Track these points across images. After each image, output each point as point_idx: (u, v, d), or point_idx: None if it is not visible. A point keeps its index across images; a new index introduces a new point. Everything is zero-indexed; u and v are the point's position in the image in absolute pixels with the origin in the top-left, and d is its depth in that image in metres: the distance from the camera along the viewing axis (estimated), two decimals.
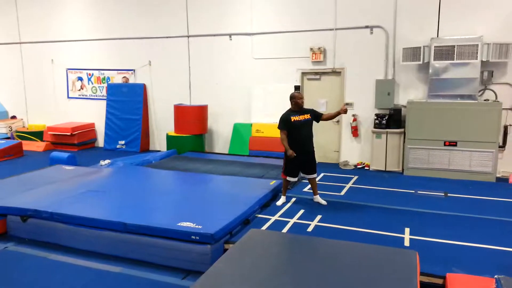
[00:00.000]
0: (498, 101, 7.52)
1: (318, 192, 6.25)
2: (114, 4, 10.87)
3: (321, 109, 9.02)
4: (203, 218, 4.94)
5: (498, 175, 7.70)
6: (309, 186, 6.35)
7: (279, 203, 6.09)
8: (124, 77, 11.15)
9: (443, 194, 6.61)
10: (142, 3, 10.53)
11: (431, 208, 5.86)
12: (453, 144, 7.61)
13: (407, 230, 5.05)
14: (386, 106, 8.39)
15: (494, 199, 6.40)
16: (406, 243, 4.71)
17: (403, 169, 8.13)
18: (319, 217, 5.53)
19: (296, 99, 5.95)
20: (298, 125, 5.87)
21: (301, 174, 6.23)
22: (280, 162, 8.43)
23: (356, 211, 5.81)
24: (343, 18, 8.68)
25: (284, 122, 5.90)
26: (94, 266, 4.61)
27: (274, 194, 6.44)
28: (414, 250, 4.13)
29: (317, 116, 6.05)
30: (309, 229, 5.15)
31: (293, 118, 5.87)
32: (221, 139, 10.37)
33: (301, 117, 5.91)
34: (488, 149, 7.41)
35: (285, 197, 6.21)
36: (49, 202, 5.58)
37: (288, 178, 6.10)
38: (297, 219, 5.49)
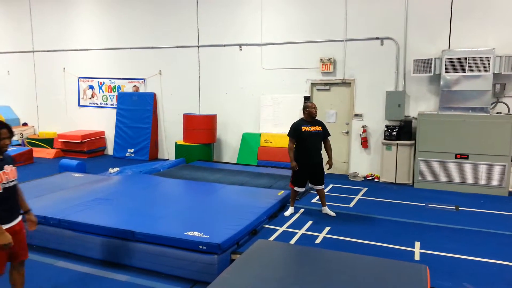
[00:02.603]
0: (510, 114, 7.43)
1: (327, 203, 6.19)
2: (126, 14, 11.01)
3: (330, 120, 9.02)
4: (210, 227, 4.91)
5: (510, 189, 7.55)
6: (318, 197, 6.30)
7: (287, 213, 6.04)
8: (135, 86, 11.24)
9: (454, 207, 6.51)
10: (153, 13, 10.65)
11: (442, 222, 5.77)
12: (465, 157, 7.52)
13: (417, 244, 4.96)
14: (397, 118, 8.34)
15: (506, 213, 6.28)
16: (416, 257, 4.63)
17: (413, 182, 8.03)
18: (327, 228, 5.47)
19: (309, 109, 5.92)
20: (308, 136, 5.85)
21: (309, 185, 6.19)
22: (289, 173, 8.40)
23: (365, 224, 5.74)
24: (353, 29, 8.68)
25: (294, 131, 5.89)
26: (101, 274, 4.60)
27: (282, 205, 6.39)
28: (425, 265, 4.05)
29: (325, 135, 6.03)
30: (317, 240, 5.09)
31: (304, 128, 5.85)
32: (229, 149, 10.37)
33: (312, 128, 5.89)
34: (501, 162, 7.30)
35: (293, 207, 6.16)
36: (58, 209, 5.60)
37: (296, 188, 6.06)
38: (305, 230, 5.43)
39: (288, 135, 5.97)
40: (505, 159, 7.30)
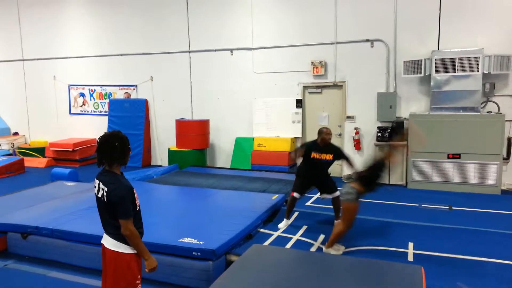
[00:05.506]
0: (500, 113, 7.50)
1: (324, 208, 6.07)
2: (116, 20, 10.97)
3: (323, 123, 9.02)
4: (204, 233, 4.88)
5: (502, 188, 7.61)
6: (313, 199, 6.21)
7: (281, 225, 5.72)
8: (126, 92, 11.19)
9: (447, 207, 6.54)
10: (143, 19, 10.63)
11: (436, 222, 5.79)
12: (457, 156, 7.56)
13: (410, 244, 4.97)
14: (388, 119, 8.37)
15: (499, 212, 6.32)
16: (410, 258, 4.64)
17: (406, 182, 8.06)
18: (322, 237, 5.35)
19: (323, 135, 5.61)
20: (315, 162, 5.61)
21: (321, 197, 5.95)
22: (283, 176, 8.41)
23: (359, 226, 5.71)
24: (343, 32, 8.72)
25: (305, 151, 5.65)
26: (94, 284, 4.54)
27: (277, 209, 6.37)
28: (420, 265, 4.05)
29: (340, 157, 5.73)
30: (313, 249, 5.07)
31: (313, 154, 5.59)
32: (223, 154, 10.35)
33: (322, 156, 5.59)
34: (492, 161, 7.35)
35: (288, 220, 5.83)
36: (50, 219, 5.54)
37: (295, 194, 5.75)
38: (300, 236, 5.39)
39: (300, 146, 5.85)
40: (497, 157, 7.35)
